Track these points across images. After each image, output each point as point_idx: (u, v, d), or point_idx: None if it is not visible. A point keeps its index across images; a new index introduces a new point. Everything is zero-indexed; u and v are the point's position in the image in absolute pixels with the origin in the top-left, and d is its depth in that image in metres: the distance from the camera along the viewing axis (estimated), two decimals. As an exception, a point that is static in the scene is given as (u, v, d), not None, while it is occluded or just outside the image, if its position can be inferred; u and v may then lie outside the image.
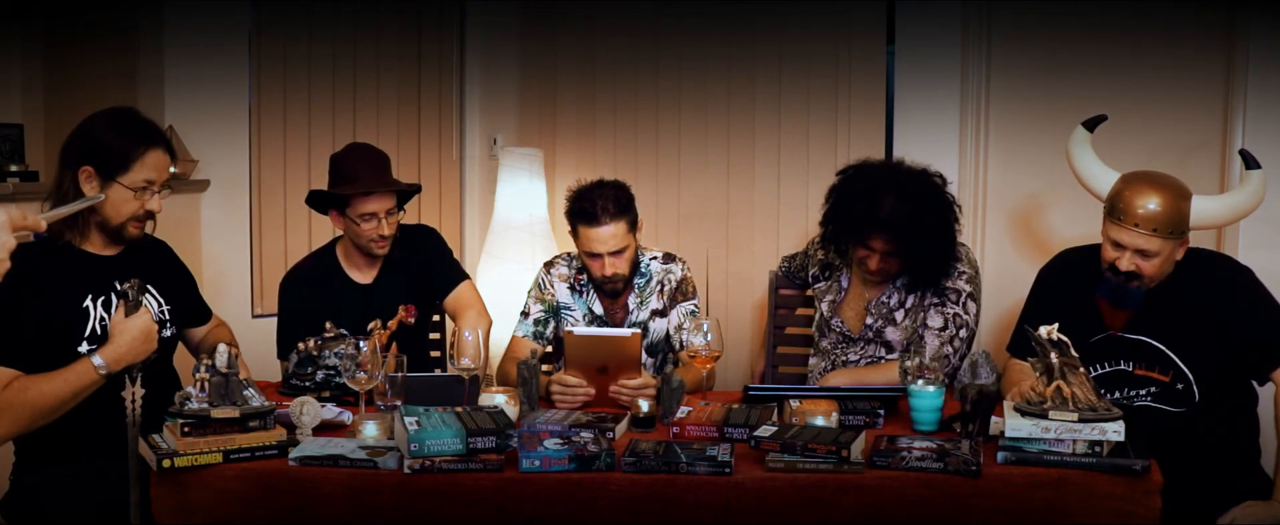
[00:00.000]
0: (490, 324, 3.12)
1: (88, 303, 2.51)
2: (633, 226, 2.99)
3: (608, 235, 2.93)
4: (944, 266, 2.87)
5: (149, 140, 2.48)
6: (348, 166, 3.00)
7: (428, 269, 3.13)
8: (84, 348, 2.47)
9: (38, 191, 3.73)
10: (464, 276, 3.17)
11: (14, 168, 3.89)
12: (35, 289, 2.44)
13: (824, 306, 3.05)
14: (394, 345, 2.81)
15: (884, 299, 2.94)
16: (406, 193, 3.06)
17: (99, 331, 2.50)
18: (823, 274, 3.11)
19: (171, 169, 2.65)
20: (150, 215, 2.53)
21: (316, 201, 3.08)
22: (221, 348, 2.26)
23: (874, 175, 2.85)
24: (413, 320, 2.94)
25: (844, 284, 3.04)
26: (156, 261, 2.71)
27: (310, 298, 3.07)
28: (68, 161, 2.46)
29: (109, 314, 2.51)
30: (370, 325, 2.77)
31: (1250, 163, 2.63)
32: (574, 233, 2.99)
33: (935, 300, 2.86)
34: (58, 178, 2.49)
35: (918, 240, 2.77)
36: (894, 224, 2.74)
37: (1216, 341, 2.54)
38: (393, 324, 2.85)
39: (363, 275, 3.12)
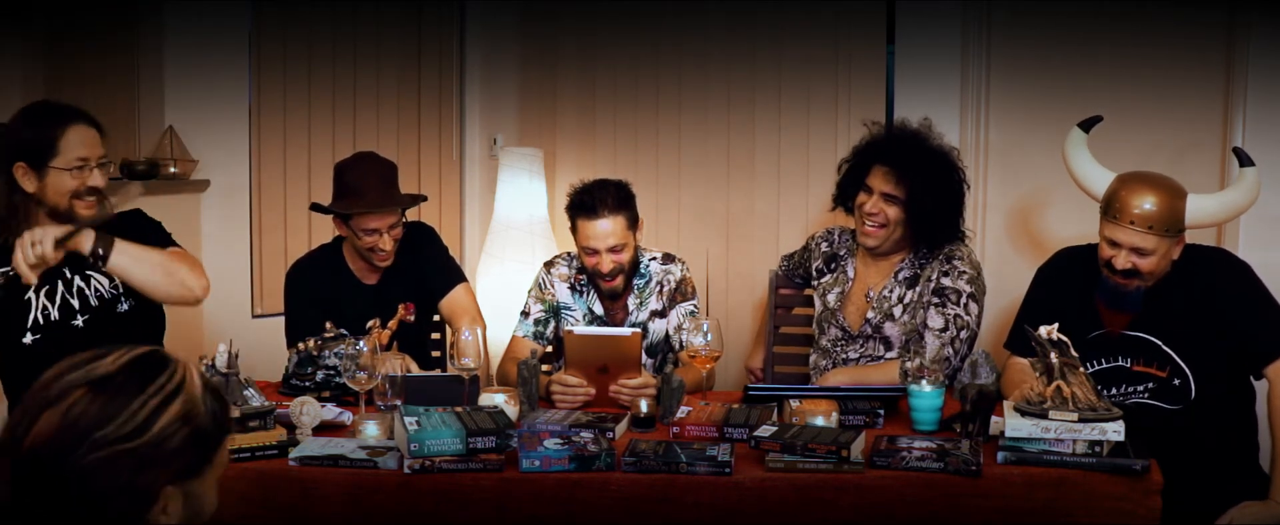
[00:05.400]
0: (484, 329, 3.12)
1: (30, 293, 2.50)
2: (632, 224, 2.99)
3: (605, 231, 2.93)
4: (945, 229, 2.88)
5: (67, 119, 2.45)
6: (353, 179, 2.99)
7: (425, 268, 3.13)
8: (28, 338, 2.48)
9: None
10: (460, 279, 3.17)
11: (14, 168, 3.89)
12: None
13: (830, 298, 3.05)
14: (395, 345, 2.81)
15: (886, 293, 2.94)
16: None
17: (41, 321, 2.50)
18: (827, 267, 3.11)
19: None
20: (96, 192, 2.49)
21: (320, 209, 3.08)
22: (221, 348, 2.26)
23: (895, 126, 3.07)
24: (413, 318, 2.95)
25: (850, 275, 3.04)
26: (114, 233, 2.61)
27: (318, 286, 3.08)
28: (1, 166, 2.43)
29: (53, 303, 2.51)
30: (369, 323, 2.77)
31: (1244, 160, 2.64)
32: (573, 228, 2.99)
33: (936, 300, 2.86)
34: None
35: (915, 177, 2.81)
36: (896, 156, 2.84)
37: (1213, 337, 2.55)
38: (393, 323, 2.85)
39: (367, 276, 3.12)
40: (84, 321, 2.56)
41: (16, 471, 1.13)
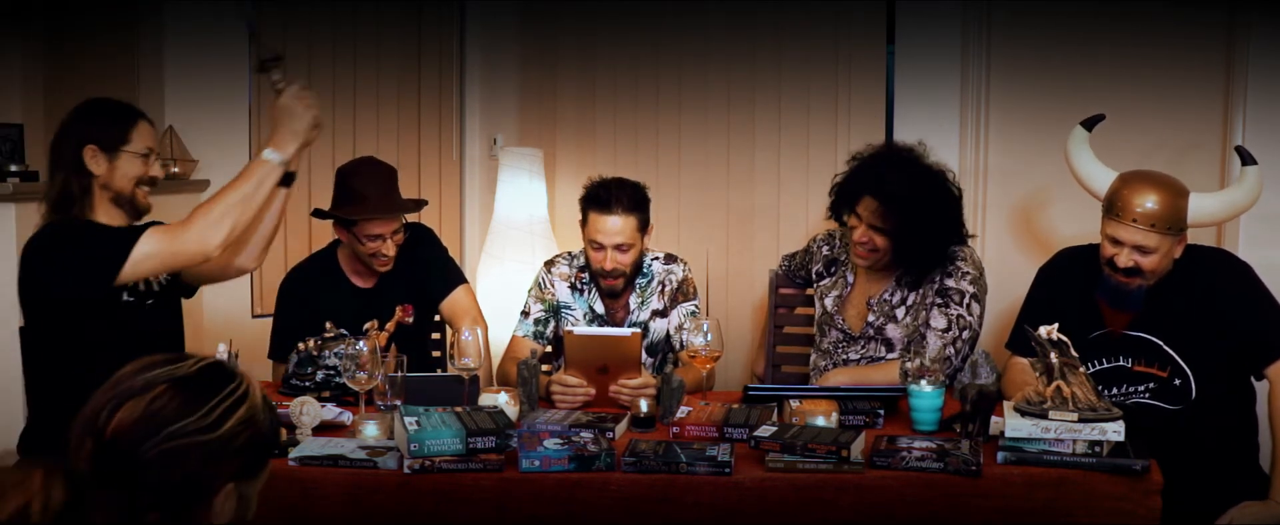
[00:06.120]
0: (486, 329, 3.12)
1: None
2: (642, 227, 2.99)
3: (615, 227, 2.93)
4: (935, 255, 2.87)
5: (137, 113, 2.64)
6: (356, 184, 2.98)
7: (424, 271, 3.12)
8: (125, 297, 2.58)
9: (38, 191, 3.73)
10: (460, 280, 3.16)
11: (14, 168, 3.88)
12: (69, 266, 2.49)
13: (828, 302, 3.05)
14: (393, 346, 2.81)
15: (886, 297, 2.94)
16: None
17: (141, 287, 2.62)
18: (827, 271, 3.11)
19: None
20: (154, 182, 2.66)
21: (323, 215, 3.08)
22: (221, 348, 2.26)
23: (882, 150, 2.97)
24: (411, 320, 2.94)
25: (850, 280, 3.04)
26: None
27: (310, 300, 3.07)
28: (66, 151, 2.56)
29: (150, 281, 2.63)
30: (366, 326, 2.76)
31: (1246, 159, 2.65)
32: (583, 220, 2.99)
33: (939, 300, 2.86)
34: (58, 173, 2.57)
35: (903, 213, 2.78)
36: (884, 192, 2.79)
37: (1214, 337, 2.55)
38: (391, 326, 2.85)
39: (363, 280, 3.11)
40: (149, 304, 2.66)
41: (98, 453, 1.24)
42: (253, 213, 2.53)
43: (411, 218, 3.14)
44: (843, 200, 2.94)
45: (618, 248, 2.95)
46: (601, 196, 2.94)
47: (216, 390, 1.30)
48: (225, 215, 2.47)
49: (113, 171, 2.56)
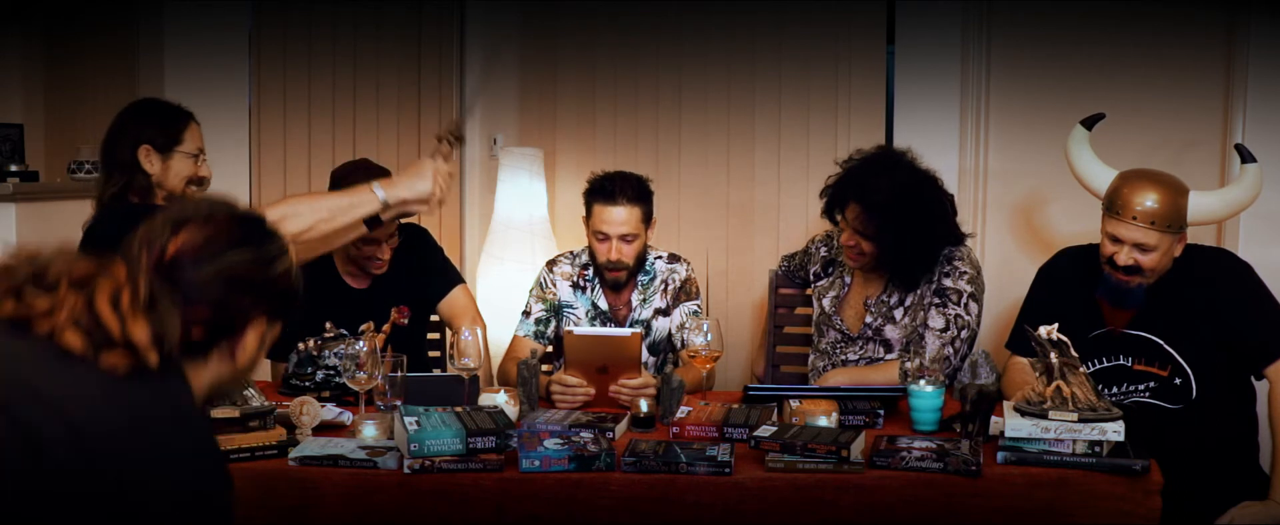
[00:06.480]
0: (485, 329, 3.11)
1: None
2: (646, 219, 3.00)
3: (620, 218, 2.94)
4: (923, 259, 2.87)
5: (187, 114, 2.72)
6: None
7: (421, 272, 3.12)
8: None
9: (38, 191, 3.74)
10: (458, 281, 3.16)
11: (14, 168, 3.89)
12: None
13: (825, 303, 3.06)
14: (390, 347, 2.81)
15: (883, 297, 2.94)
16: None
17: None
18: (825, 271, 3.12)
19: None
20: (204, 182, 2.73)
21: None
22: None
23: (868, 156, 2.96)
24: (406, 321, 2.94)
25: (847, 281, 3.05)
26: None
27: (308, 297, 3.06)
28: (121, 150, 2.63)
29: None
30: (361, 328, 2.76)
31: (1245, 157, 2.65)
32: (588, 213, 3.00)
33: (937, 300, 2.86)
34: (115, 173, 2.64)
35: (886, 220, 2.79)
36: (867, 199, 2.79)
37: (1214, 336, 2.55)
38: (386, 328, 2.85)
39: (357, 281, 3.11)
40: None
41: (156, 266, 1.33)
42: (332, 227, 2.50)
43: (409, 219, 3.14)
44: (831, 204, 2.95)
45: (622, 238, 2.96)
46: (606, 187, 2.96)
47: (271, 235, 1.44)
48: (310, 213, 2.46)
49: (166, 171, 2.64)
